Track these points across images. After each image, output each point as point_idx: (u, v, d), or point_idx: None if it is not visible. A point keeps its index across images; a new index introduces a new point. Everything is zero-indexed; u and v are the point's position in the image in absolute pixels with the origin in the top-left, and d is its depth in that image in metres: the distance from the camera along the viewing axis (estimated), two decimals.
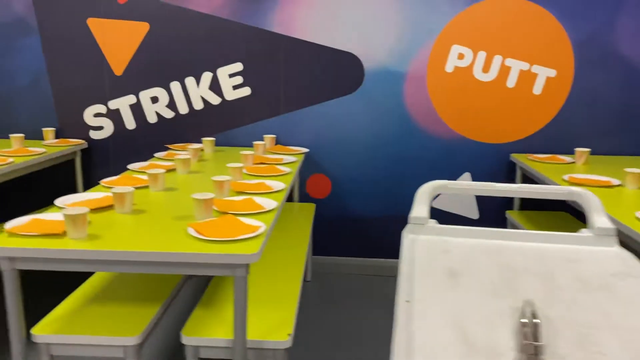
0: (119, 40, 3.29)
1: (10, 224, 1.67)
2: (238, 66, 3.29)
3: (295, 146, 3.34)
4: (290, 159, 2.91)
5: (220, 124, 3.36)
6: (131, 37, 3.29)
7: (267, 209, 1.91)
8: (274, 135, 3.29)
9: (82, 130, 3.42)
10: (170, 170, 2.58)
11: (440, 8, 3.14)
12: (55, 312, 1.81)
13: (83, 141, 3.35)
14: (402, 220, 3.39)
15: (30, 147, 3.12)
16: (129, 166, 2.63)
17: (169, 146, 3.25)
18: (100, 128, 3.42)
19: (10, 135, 3.05)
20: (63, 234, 1.61)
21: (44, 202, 3.49)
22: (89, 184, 3.48)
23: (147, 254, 1.51)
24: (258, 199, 2.04)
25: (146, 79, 3.33)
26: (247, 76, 3.29)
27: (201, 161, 2.85)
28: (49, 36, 3.31)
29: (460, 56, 3.20)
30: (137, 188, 2.22)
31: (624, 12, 3.08)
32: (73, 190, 3.48)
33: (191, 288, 2.34)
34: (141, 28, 3.28)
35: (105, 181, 2.28)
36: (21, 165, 2.74)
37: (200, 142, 3.39)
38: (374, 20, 3.18)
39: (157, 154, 2.96)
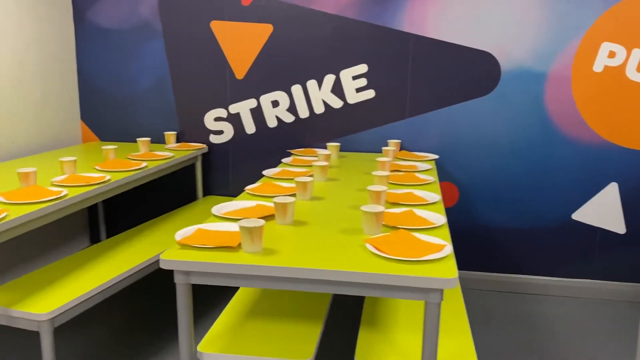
0: (242, 43, 3.24)
1: (179, 235, 1.59)
2: (362, 68, 3.15)
3: (420, 152, 3.16)
4: (424, 166, 2.73)
5: (342, 129, 3.23)
6: (254, 40, 3.22)
7: (437, 224, 1.73)
8: (399, 140, 3.12)
9: (203, 134, 3.39)
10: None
11: (590, 2, 2.85)
12: (217, 328, 1.72)
13: (204, 145, 3.32)
14: (536, 233, 3.12)
15: (155, 151, 3.12)
16: (264, 172, 2.54)
17: (293, 152, 3.15)
18: (220, 132, 3.38)
19: (138, 139, 3.06)
20: (237, 247, 1.51)
21: (167, 206, 3.51)
22: (207, 189, 3.46)
23: (333, 272, 1.37)
24: (418, 211, 1.87)
25: (267, 82, 3.26)
26: (372, 78, 3.14)
27: (330, 168, 2.72)
28: (173, 40, 3.32)
29: (612, 54, 2.89)
30: (276, 196, 2.11)
31: None
32: (193, 194, 3.47)
33: (340, 304, 2.20)
34: (265, 30, 3.21)
35: (249, 188, 2.19)
36: (153, 170, 2.72)
37: (321, 147, 3.27)
38: (515, 17, 2.93)
39: (284, 160, 2.87)
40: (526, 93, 3.00)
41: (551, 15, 2.90)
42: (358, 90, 3.18)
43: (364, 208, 1.65)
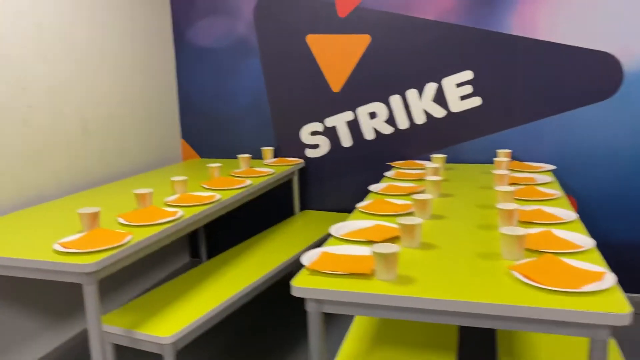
0: (338, 55, 3.18)
1: (307, 260, 1.52)
2: (467, 74, 2.99)
3: (533, 162, 2.95)
4: (543, 178, 2.53)
5: (445, 139, 3.08)
6: (351, 51, 3.15)
7: (585, 247, 1.56)
8: (509, 150, 2.92)
9: (299, 148, 3.36)
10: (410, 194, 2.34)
11: None
12: (344, 356, 1.63)
13: (301, 160, 3.28)
14: None
15: (255, 167, 3.11)
16: (371, 188, 2.45)
17: (394, 164, 3.04)
18: (316, 146, 3.33)
19: (239, 155, 3.06)
20: (371, 274, 1.42)
21: (265, 221, 3.50)
22: (304, 203, 3.42)
23: (486, 305, 1.25)
24: (556, 232, 1.70)
25: (365, 93, 3.17)
26: (478, 85, 2.98)
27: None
28: (269, 56, 3.31)
29: None
30: (394, 215, 2.00)
31: None
32: (290, 209, 3.44)
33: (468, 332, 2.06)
34: (362, 41, 3.13)
35: (361, 206, 2.10)
36: (258, 187, 2.70)
37: (422, 158, 3.14)
38: (637, 13, 2.67)
39: (386, 173, 2.76)
40: None
41: None
42: (462, 98, 3.02)
43: (504, 230, 1.50)
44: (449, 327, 1.84)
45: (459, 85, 3.02)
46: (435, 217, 1.96)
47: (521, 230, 1.49)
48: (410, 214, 2.01)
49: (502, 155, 2.89)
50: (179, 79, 3.52)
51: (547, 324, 1.24)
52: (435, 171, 2.54)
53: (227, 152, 3.52)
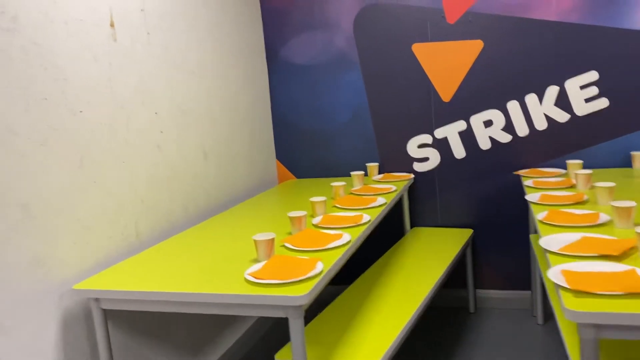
0: (448, 63, 3.03)
1: (558, 280, 1.35)
2: (592, 75, 2.83)
3: None
4: None
5: (569, 144, 2.91)
6: (462, 59, 3.01)
7: None
8: None
9: (406, 163, 3.20)
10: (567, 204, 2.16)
11: None
12: None
13: (411, 175, 3.12)
14: None
15: (368, 184, 2.96)
16: (528, 198, 2.27)
17: (519, 173, 2.88)
18: (425, 159, 3.17)
19: (352, 173, 2.90)
20: None
21: (377, 243, 3.33)
22: (413, 221, 3.25)
23: None
24: None
25: (478, 101, 3.02)
26: (604, 85, 2.81)
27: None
28: (370, 68, 3.18)
29: None
30: (588, 226, 1.83)
31: None
32: (400, 228, 3.27)
33: None
34: (474, 47, 2.99)
35: (542, 218, 1.93)
36: (391, 204, 2.54)
37: (547, 166, 2.97)
38: None
39: (526, 183, 2.59)
40: None
41: None
42: (588, 100, 2.86)
43: None
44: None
45: (583, 87, 2.86)
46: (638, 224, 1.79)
47: None
48: (607, 223, 1.84)
49: (637, 159, 2.71)
50: (273, 98, 3.40)
51: None
52: (587, 178, 2.37)
53: (324, 171, 3.37)
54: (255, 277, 1.58)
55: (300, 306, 1.48)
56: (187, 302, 1.59)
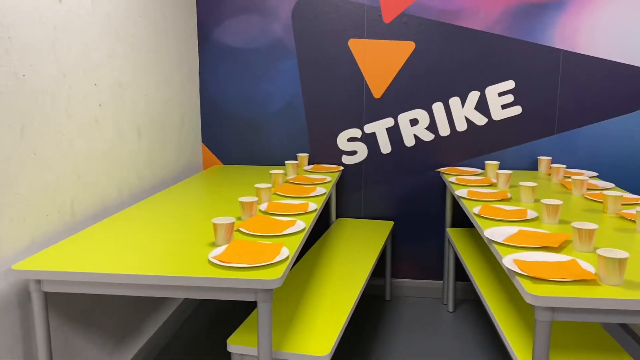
0: (381, 61, 3.15)
1: (514, 267, 1.48)
2: (509, 84, 3.09)
3: (571, 169, 3.11)
4: (603, 183, 2.67)
5: (484, 146, 3.16)
6: (395, 58, 3.14)
7: None
8: (550, 157, 3.06)
9: (335, 155, 3.28)
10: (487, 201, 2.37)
11: None
12: None
13: (340, 167, 3.20)
14: None
15: (302, 174, 2.99)
16: (458, 193, 2.44)
17: (441, 170, 3.07)
18: (353, 153, 3.27)
19: (287, 162, 2.92)
20: (595, 281, 1.41)
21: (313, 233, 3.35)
22: (339, 210, 3.34)
23: None
24: None
25: (406, 100, 3.17)
26: (519, 94, 3.09)
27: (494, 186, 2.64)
28: (306, 59, 3.21)
29: None
30: (518, 220, 2.02)
31: None
32: (325, 218, 3.34)
33: None
34: (406, 48, 3.13)
35: (477, 212, 2.09)
36: (330, 193, 2.60)
37: (463, 165, 3.19)
38: None
39: (450, 179, 2.78)
40: None
41: None
42: (504, 106, 3.12)
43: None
44: (597, 327, 1.88)
45: (501, 94, 3.12)
46: (563, 222, 2.00)
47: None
48: (535, 219, 2.03)
49: (545, 162, 3.02)
50: (203, 80, 3.30)
51: None
52: (508, 177, 2.59)
53: (253, 159, 3.35)
54: (222, 261, 1.55)
55: (271, 290, 1.48)
56: (147, 285, 1.52)
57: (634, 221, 1.98)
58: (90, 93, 2.05)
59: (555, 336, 1.82)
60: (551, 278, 1.41)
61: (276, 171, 2.63)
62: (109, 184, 2.20)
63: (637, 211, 1.86)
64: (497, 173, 2.61)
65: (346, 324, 1.94)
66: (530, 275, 1.43)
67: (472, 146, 3.18)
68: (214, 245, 1.72)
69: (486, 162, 2.94)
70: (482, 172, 3.02)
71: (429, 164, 3.23)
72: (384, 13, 3.11)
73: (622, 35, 2.96)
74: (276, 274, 1.47)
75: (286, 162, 2.92)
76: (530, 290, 1.35)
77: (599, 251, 1.41)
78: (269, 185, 2.30)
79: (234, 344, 1.74)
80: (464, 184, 2.70)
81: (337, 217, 3.34)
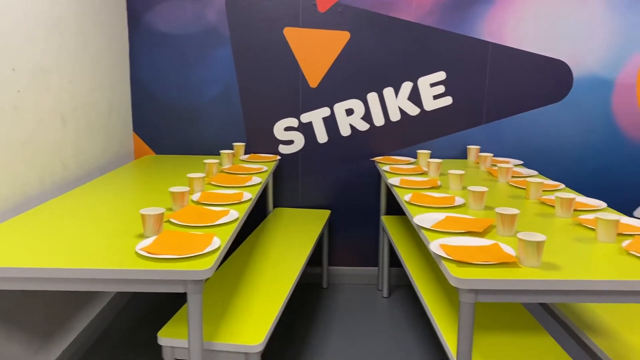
0: (317, 50, 3.15)
1: (440, 251, 1.53)
2: (441, 75, 3.18)
3: (498, 157, 3.24)
4: (527, 170, 2.80)
5: (418, 136, 3.24)
6: (330, 47, 3.15)
7: None
8: (478, 146, 3.18)
9: (272, 144, 3.26)
10: (420, 188, 2.45)
11: None
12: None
13: (277, 156, 3.19)
14: None
15: (237, 164, 2.96)
16: (391, 181, 2.49)
17: (376, 159, 3.12)
18: (290, 142, 3.27)
19: (222, 151, 2.88)
20: (515, 263, 1.48)
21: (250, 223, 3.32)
22: (276, 200, 3.33)
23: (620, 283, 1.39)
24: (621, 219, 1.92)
25: (342, 90, 3.20)
26: (450, 85, 3.18)
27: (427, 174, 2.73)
28: (242, 47, 3.16)
29: None
30: (446, 207, 2.09)
31: None
32: (263, 208, 3.32)
33: None
34: (341, 37, 3.15)
35: (409, 199, 2.14)
36: (265, 183, 2.58)
37: (398, 154, 3.26)
38: (587, 27, 3.10)
39: (384, 169, 2.83)
40: (595, 100, 3.18)
41: (619, 26, 3.09)
42: (435, 97, 3.21)
43: (603, 216, 1.68)
44: (518, 308, 1.97)
45: (432, 85, 3.20)
46: (488, 208, 2.08)
47: (614, 216, 1.68)
48: (462, 205, 2.11)
49: (474, 151, 3.13)
50: (133, 66, 3.19)
51: None
52: (438, 166, 2.67)
53: (187, 148, 3.28)
54: (149, 252, 1.51)
55: (201, 281, 1.46)
56: (71, 279, 1.46)
57: (554, 206, 2.09)
58: (7, 79, 1.93)
59: (480, 317, 1.90)
60: (474, 261, 1.46)
61: (210, 160, 2.59)
62: (30, 174, 2.09)
63: (555, 197, 1.96)
64: (428, 162, 2.69)
65: (281, 313, 1.94)
66: (455, 259, 1.48)
67: (406, 136, 3.25)
68: (142, 237, 1.68)
69: (418, 151, 3.01)
70: (415, 161, 3.10)
71: (364, 153, 3.27)
72: (319, 2, 3.10)
73: (546, 29, 3.10)
74: (206, 264, 1.45)
75: (221, 151, 2.87)
76: (454, 274, 1.40)
77: (519, 235, 1.48)
78: (202, 175, 2.25)
79: (164, 337, 1.71)
80: (397, 172, 2.76)
81: (274, 206, 3.34)
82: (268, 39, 3.15)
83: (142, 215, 1.66)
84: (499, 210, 1.74)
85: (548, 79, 3.16)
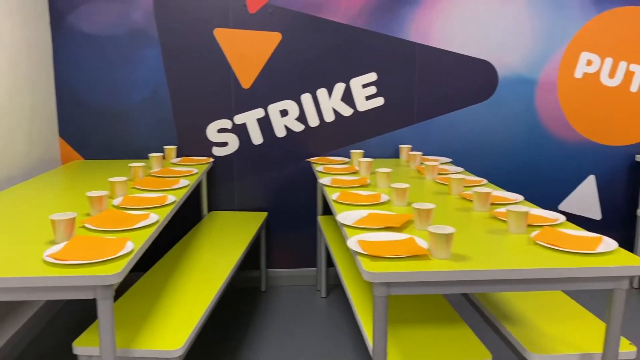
0: (248, 51, 3.14)
1: (356, 247, 1.54)
2: (372, 76, 3.22)
3: (429, 155, 3.31)
4: (454, 168, 2.88)
5: (352, 136, 3.28)
6: (262, 48, 3.14)
7: (560, 220, 1.87)
8: (410, 145, 3.25)
9: (205, 147, 3.22)
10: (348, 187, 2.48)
11: (572, 16, 3.23)
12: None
13: (210, 159, 3.15)
14: None
15: (168, 167, 2.90)
16: (321, 181, 2.50)
17: (310, 160, 3.13)
18: (224, 144, 3.24)
19: (150, 155, 2.82)
20: (426, 256, 1.52)
21: (172, 227, 3.26)
22: (212, 203, 3.29)
23: (550, 270, 1.45)
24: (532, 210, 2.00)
25: (276, 91, 3.19)
26: (381, 86, 3.23)
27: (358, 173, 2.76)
28: (171, 48, 3.11)
29: (589, 62, 3.30)
30: (374, 204, 2.11)
31: None
32: (197, 212, 3.27)
33: None
34: (273, 38, 3.14)
35: (336, 198, 2.16)
36: (193, 186, 2.54)
37: (333, 154, 3.28)
38: (510, 28, 3.21)
39: (318, 169, 2.84)
40: (519, 98, 3.30)
41: (540, 27, 3.23)
42: (368, 98, 3.25)
43: (513, 208, 1.74)
44: (439, 300, 2.02)
45: (364, 86, 3.24)
46: (411, 204, 2.12)
47: (524, 208, 1.74)
48: (387, 202, 2.14)
49: (405, 150, 3.19)
50: (58, 69, 3.08)
51: (578, 282, 1.49)
52: (369, 165, 2.71)
53: (117, 152, 3.19)
54: (56, 258, 1.46)
55: (110, 286, 1.42)
56: None
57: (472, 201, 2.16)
58: None
59: (402, 311, 1.93)
60: (387, 255, 1.49)
61: (136, 164, 2.53)
62: None
63: (473, 192, 2.02)
64: (359, 161, 2.72)
65: (206, 317, 1.91)
66: (369, 254, 1.50)
67: (340, 136, 3.27)
68: (53, 243, 1.62)
69: (351, 151, 3.04)
70: (349, 161, 3.13)
71: (300, 154, 3.28)
72: (249, 3, 3.09)
73: (471, 30, 3.20)
74: (115, 269, 1.41)
75: (150, 154, 2.81)
76: (367, 268, 1.42)
77: (429, 228, 1.51)
78: (124, 178, 2.20)
79: (80, 346, 1.65)
80: (330, 172, 2.78)
81: (209, 210, 3.29)
82: (198, 40, 3.11)
83: (52, 221, 1.60)
84: (415, 205, 1.77)
85: (475, 78, 3.26)
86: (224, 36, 3.12)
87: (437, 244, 1.49)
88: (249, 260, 3.37)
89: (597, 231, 3.50)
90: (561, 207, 3.45)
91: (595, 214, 3.49)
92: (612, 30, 3.26)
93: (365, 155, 3.30)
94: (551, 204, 3.44)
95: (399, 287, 1.45)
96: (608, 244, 1.61)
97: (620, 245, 3.54)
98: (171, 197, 2.16)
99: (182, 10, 3.07)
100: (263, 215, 3.21)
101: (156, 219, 1.86)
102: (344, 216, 1.90)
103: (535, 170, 3.39)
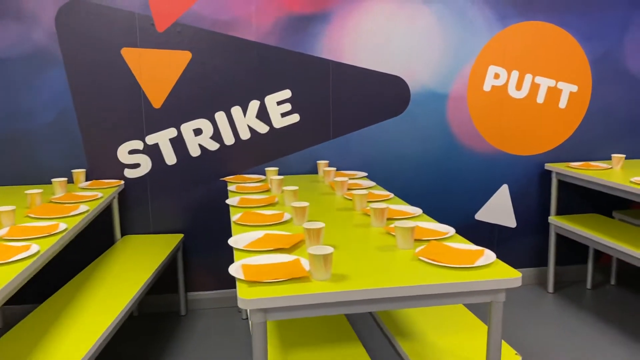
0: (158, 70, 3.07)
1: (237, 273, 1.51)
2: (286, 93, 3.22)
3: (346, 170, 3.33)
4: (367, 182, 2.90)
5: (269, 153, 3.26)
6: (172, 67, 3.09)
7: (450, 233, 1.91)
8: (327, 161, 3.25)
9: (116, 169, 3.12)
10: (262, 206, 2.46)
11: (479, 31, 3.34)
12: None
13: (121, 181, 3.06)
14: None
15: (73, 192, 2.79)
16: (228, 201, 2.46)
17: (226, 179, 3.08)
18: (136, 165, 3.15)
19: (54, 180, 2.71)
20: (308, 277, 1.50)
21: (83, 252, 3.13)
22: (124, 228, 3.18)
23: (425, 287, 1.46)
24: (422, 224, 2.02)
25: (188, 110, 3.14)
26: (296, 103, 3.23)
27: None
28: (76, 68, 3.01)
29: (496, 76, 3.41)
30: (274, 224, 2.09)
31: (631, 32, 3.49)
32: (110, 236, 3.16)
33: None
34: (183, 57, 3.09)
35: (237, 219, 2.12)
36: (94, 212, 2.45)
37: (251, 172, 3.25)
38: (420, 44, 3.29)
39: (230, 188, 2.80)
40: (432, 112, 3.37)
41: (449, 42, 3.32)
42: (283, 115, 3.24)
43: (400, 224, 1.75)
44: (341, 321, 2.01)
45: (279, 103, 3.23)
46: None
47: (412, 224, 1.76)
48: (288, 221, 2.12)
49: (322, 166, 3.20)
50: None
51: (457, 296, 1.51)
52: (280, 182, 2.69)
53: (18, 179, 3.05)
54: None
55: None
56: None
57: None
58: None
59: (299, 334, 1.91)
60: (266, 280, 1.46)
61: (32, 191, 2.42)
62: None
63: (370, 207, 2.03)
64: (271, 179, 2.70)
65: (100, 344, 1.83)
66: (247, 279, 1.47)
67: (257, 154, 3.25)
68: None
69: (266, 169, 3.02)
70: (264, 179, 3.10)
71: (216, 173, 3.22)
72: (157, 22, 3.04)
73: (381, 47, 3.25)
74: None
75: (53, 180, 2.70)
76: (241, 295, 1.39)
77: (309, 249, 1.50)
78: (12, 207, 2.09)
79: None
80: (242, 191, 2.74)
81: (122, 234, 3.18)
82: (105, 60, 3.02)
83: None
84: (306, 225, 1.76)
85: (388, 93, 3.31)
86: (132, 55, 3.05)
87: (316, 265, 1.47)
88: (167, 284, 3.28)
89: (513, 239, 3.60)
90: (477, 216, 3.54)
91: (510, 222, 3.59)
92: (517, 44, 3.40)
93: (284, 172, 3.29)
94: (467, 215, 3.52)
95: (276, 312, 1.43)
96: (488, 256, 1.64)
97: (535, 251, 3.66)
98: (63, 225, 2.07)
99: (87, 29, 2.98)
100: (179, 237, 3.13)
101: (36, 249, 1.77)
102: (236, 239, 1.86)
103: (451, 182, 3.46)
